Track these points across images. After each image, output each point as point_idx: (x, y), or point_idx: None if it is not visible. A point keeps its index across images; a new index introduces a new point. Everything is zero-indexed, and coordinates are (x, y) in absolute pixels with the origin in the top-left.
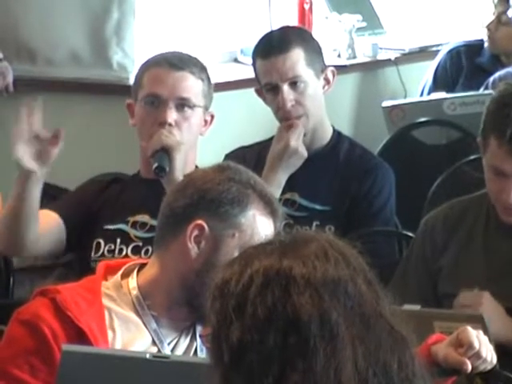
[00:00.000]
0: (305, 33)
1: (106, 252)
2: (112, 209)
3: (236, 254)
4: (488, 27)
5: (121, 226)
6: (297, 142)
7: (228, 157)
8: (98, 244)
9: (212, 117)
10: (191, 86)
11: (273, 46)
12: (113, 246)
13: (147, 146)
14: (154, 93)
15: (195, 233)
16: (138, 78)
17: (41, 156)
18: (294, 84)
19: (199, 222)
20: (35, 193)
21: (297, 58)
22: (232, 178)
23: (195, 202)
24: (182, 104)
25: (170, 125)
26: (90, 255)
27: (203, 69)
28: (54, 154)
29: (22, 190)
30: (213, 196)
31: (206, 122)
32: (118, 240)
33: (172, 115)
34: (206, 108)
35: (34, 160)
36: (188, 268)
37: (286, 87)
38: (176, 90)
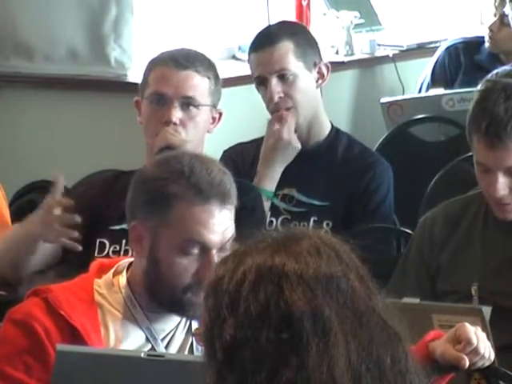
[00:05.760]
0: (296, 26)
1: (111, 253)
2: (117, 209)
3: (174, 247)
4: (490, 28)
5: (126, 226)
6: (289, 134)
7: (226, 153)
8: (103, 244)
9: (220, 114)
10: (196, 85)
11: (261, 39)
12: (118, 247)
13: (153, 144)
14: (159, 91)
15: (135, 233)
16: (145, 75)
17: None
18: (282, 76)
19: (134, 223)
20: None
21: (285, 50)
22: (160, 176)
23: (134, 203)
24: (187, 103)
25: (175, 124)
26: (93, 254)
27: (210, 66)
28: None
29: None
30: (144, 196)
31: (214, 119)
32: (124, 241)
33: (176, 114)
34: (214, 105)
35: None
36: (140, 267)
37: (273, 79)
38: (181, 89)
